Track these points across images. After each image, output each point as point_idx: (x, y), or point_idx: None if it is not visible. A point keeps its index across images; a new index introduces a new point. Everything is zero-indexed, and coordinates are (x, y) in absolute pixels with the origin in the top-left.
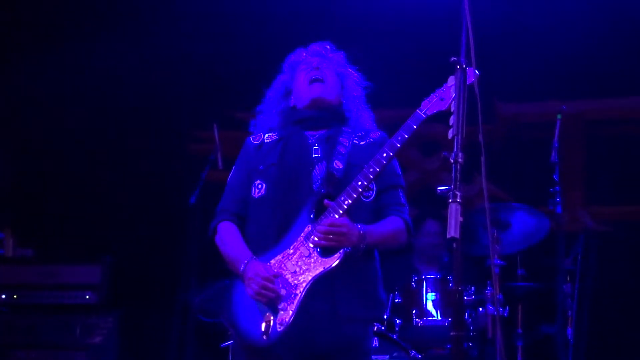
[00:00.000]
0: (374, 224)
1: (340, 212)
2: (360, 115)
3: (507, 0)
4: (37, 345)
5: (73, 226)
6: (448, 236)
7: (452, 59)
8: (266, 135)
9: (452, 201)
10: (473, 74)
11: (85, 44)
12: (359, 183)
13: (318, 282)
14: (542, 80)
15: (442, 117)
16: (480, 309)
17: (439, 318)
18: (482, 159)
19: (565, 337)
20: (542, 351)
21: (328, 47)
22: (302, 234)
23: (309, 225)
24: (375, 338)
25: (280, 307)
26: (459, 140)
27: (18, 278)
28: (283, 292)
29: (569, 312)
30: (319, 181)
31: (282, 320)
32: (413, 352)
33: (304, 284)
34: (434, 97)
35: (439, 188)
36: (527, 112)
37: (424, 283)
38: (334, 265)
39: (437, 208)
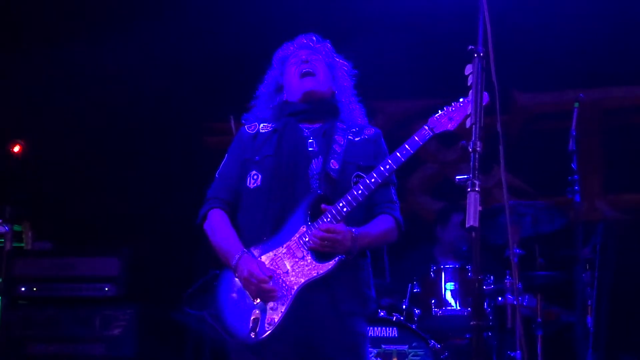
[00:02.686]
0: (366, 225)
1: (338, 218)
2: (353, 108)
3: None
4: (56, 337)
5: (91, 219)
6: (467, 225)
7: (470, 47)
8: (261, 125)
9: (470, 190)
10: (486, 97)
11: (102, 39)
12: (359, 192)
13: (312, 284)
14: (559, 69)
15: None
16: (500, 299)
17: (458, 308)
18: (501, 148)
19: (585, 326)
20: (562, 340)
21: (314, 38)
22: (296, 234)
23: (304, 226)
24: (395, 328)
25: (270, 306)
26: (477, 129)
27: (37, 271)
28: (278, 293)
29: (589, 301)
30: (316, 179)
31: (272, 320)
32: (432, 342)
33: (295, 287)
34: (443, 116)
35: (457, 177)
36: (544, 101)
37: (443, 273)
38: (327, 271)
39: (459, 200)
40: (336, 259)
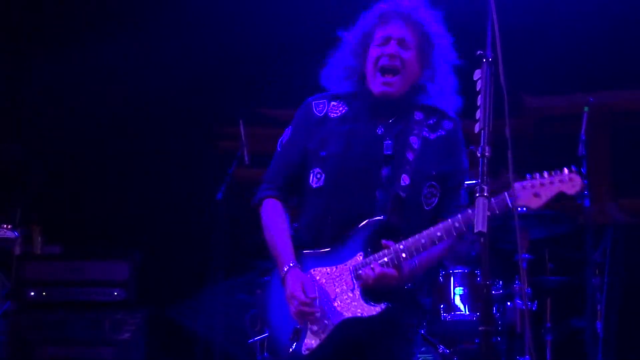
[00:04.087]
0: (423, 253)
1: (395, 263)
2: (438, 91)
3: None
4: (66, 341)
5: (101, 223)
6: (475, 230)
7: (478, 52)
8: (331, 104)
9: (479, 195)
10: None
11: (112, 42)
12: (423, 242)
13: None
14: (568, 72)
15: (469, 112)
16: (509, 303)
17: (467, 313)
18: (509, 153)
19: (594, 330)
20: (572, 345)
21: (420, 3)
22: (351, 261)
23: (361, 254)
24: None
25: (312, 329)
26: (486, 134)
27: (47, 275)
28: (318, 314)
29: (598, 306)
30: (383, 194)
31: (310, 345)
32: (441, 347)
33: (339, 319)
34: (530, 189)
35: (465, 182)
36: (554, 105)
37: (452, 278)
38: (373, 315)
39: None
40: (383, 306)
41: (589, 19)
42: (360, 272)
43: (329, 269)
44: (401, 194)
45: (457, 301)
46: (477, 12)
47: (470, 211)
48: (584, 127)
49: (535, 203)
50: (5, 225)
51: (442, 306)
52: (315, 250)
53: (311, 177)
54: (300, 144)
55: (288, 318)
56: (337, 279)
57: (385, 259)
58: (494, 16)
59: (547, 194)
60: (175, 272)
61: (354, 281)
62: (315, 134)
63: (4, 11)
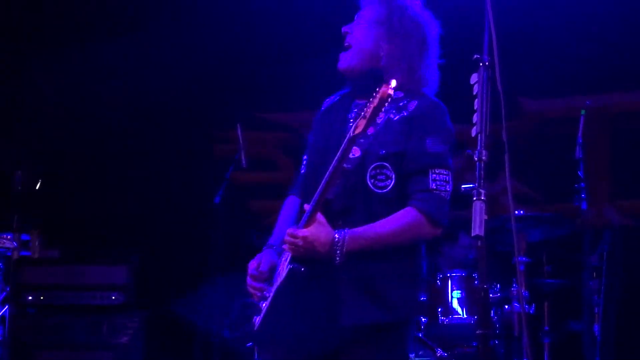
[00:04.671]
0: (372, 224)
1: (305, 222)
2: (406, 69)
3: None
4: (64, 345)
5: (99, 227)
6: (472, 234)
7: (475, 56)
8: (336, 99)
9: (476, 199)
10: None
11: (109, 45)
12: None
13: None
14: (566, 75)
15: (465, 116)
16: (506, 307)
17: (465, 316)
18: (506, 157)
19: (592, 334)
20: (570, 348)
21: None
22: None
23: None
24: None
25: (261, 304)
26: (483, 138)
27: (45, 279)
28: (264, 291)
29: (596, 309)
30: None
31: (257, 321)
32: (439, 351)
33: (271, 290)
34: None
35: (462, 186)
36: (551, 108)
37: (449, 281)
38: (282, 279)
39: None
40: (287, 267)
41: (587, 22)
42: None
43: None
44: (345, 166)
45: (455, 304)
46: (474, 15)
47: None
48: (580, 130)
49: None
50: (5, 236)
51: (439, 309)
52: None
53: (302, 166)
54: (309, 141)
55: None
56: (285, 255)
57: (303, 222)
58: (491, 20)
59: None
60: (174, 275)
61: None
62: (315, 127)
63: (3, 11)
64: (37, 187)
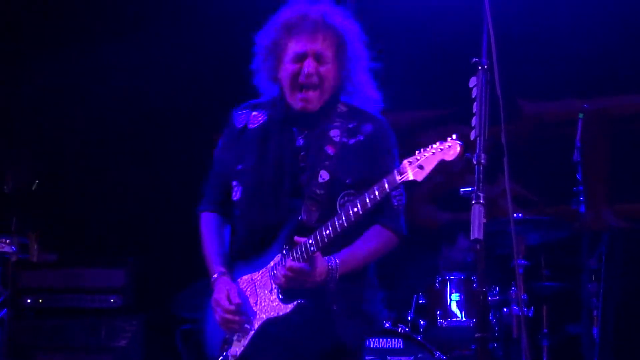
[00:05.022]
0: (353, 245)
1: (305, 257)
2: (361, 91)
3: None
4: (63, 348)
5: (97, 230)
6: (472, 238)
7: (474, 60)
8: (252, 114)
9: (475, 202)
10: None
11: (109, 48)
12: (327, 232)
13: (312, 307)
14: (564, 78)
15: (464, 118)
16: (505, 309)
17: (464, 319)
18: (505, 160)
19: (591, 336)
20: (568, 351)
21: (327, 9)
22: (271, 262)
23: (279, 255)
24: (400, 339)
25: (235, 337)
26: (482, 142)
27: (43, 282)
28: (241, 322)
29: (595, 312)
30: (299, 198)
31: (235, 352)
32: (438, 353)
33: (257, 323)
34: (414, 162)
35: (461, 189)
36: (549, 110)
37: (448, 284)
38: (287, 313)
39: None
40: (294, 303)
41: (585, 25)
42: (275, 271)
43: (253, 275)
44: (317, 191)
45: (454, 307)
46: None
47: (366, 196)
48: (579, 133)
49: (420, 175)
50: (3, 240)
51: (438, 312)
52: (243, 260)
53: (232, 191)
54: (224, 158)
55: (219, 330)
56: (259, 284)
57: (297, 254)
58: (490, 24)
59: (429, 164)
60: (173, 278)
61: (272, 282)
62: (235, 147)
63: (3, 10)
64: (32, 188)
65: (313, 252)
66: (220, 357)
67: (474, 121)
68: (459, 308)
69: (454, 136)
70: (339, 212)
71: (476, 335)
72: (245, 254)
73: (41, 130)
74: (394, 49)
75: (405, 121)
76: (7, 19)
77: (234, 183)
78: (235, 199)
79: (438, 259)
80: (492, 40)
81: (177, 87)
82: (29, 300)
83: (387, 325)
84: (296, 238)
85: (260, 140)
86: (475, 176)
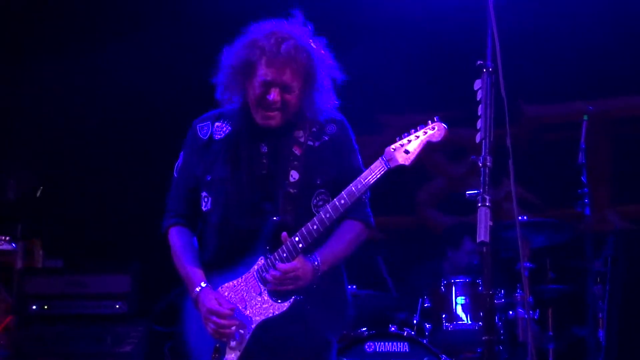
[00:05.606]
0: (329, 241)
1: (294, 254)
2: (318, 103)
3: (532, 2)
4: (68, 355)
5: (102, 236)
6: (478, 240)
7: (479, 62)
8: (215, 125)
9: (481, 205)
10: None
11: (108, 51)
12: (315, 227)
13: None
14: (567, 80)
15: (467, 120)
16: (511, 312)
17: (469, 322)
18: (510, 163)
19: (596, 339)
20: (574, 354)
21: (297, 27)
22: (255, 266)
23: (262, 258)
24: (406, 343)
25: (230, 345)
26: (487, 144)
27: (48, 288)
28: (234, 328)
29: (600, 314)
30: (271, 201)
31: (230, 359)
32: (443, 357)
33: (253, 325)
34: (399, 148)
35: (467, 192)
36: (552, 113)
37: (453, 287)
38: (284, 311)
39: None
40: (291, 300)
41: (588, 27)
42: (265, 275)
43: (235, 282)
44: (290, 190)
45: (459, 311)
46: (475, 21)
47: (352, 187)
48: (583, 135)
49: (408, 159)
50: (3, 237)
51: (444, 316)
52: (218, 270)
53: (201, 201)
54: (191, 169)
55: (207, 340)
56: (244, 289)
57: (284, 254)
58: (494, 27)
59: (415, 148)
60: (177, 284)
61: (260, 285)
62: (201, 158)
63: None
64: (37, 195)
65: (301, 248)
66: None
67: (479, 124)
68: (464, 311)
69: (435, 118)
70: (324, 208)
71: (483, 337)
72: (219, 264)
73: (45, 136)
74: (396, 53)
75: (407, 124)
76: (6, 20)
77: (203, 194)
78: (205, 209)
79: (443, 262)
80: (497, 42)
81: (183, 91)
82: (34, 307)
83: (393, 328)
84: (283, 235)
85: (229, 150)
86: (481, 179)
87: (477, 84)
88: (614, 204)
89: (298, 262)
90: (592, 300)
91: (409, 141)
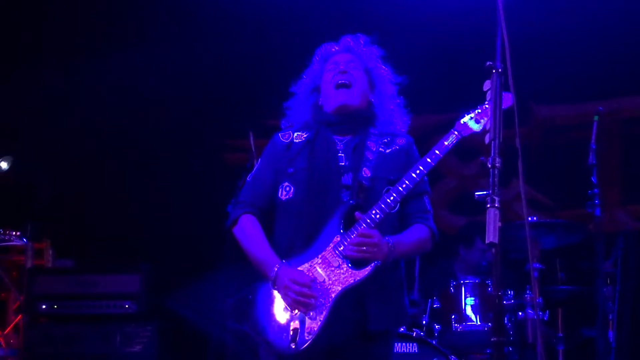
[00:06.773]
0: (401, 234)
1: (372, 226)
2: (390, 116)
3: (541, 2)
4: (77, 354)
5: (112, 236)
6: (487, 241)
7: (488, 63)
8: (295, 134)
9: (490, 206)
10: (510, 99)
11: (120, 57)
12: (392, 198)
13: (347, 294)
14: (577, 80)
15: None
16: (520, 313)
17: (479, 323)
18: (520, 164)
19: (607, 340)
20: (584, 355)
21: (362, 41)
22: (331, 244)
23: (338, 235)
24: (415, 344)
25: (309, 315)
26: (497, 145)
27: (58, 288)
28: (314, 300)
29: (610, 315)
30: (348, 190)
31: (311, 329)
32: (453, 358)
33: (333, 295)
34: (470, 119)
35: (476, 193)
36: (563, 113)
37: (463, 288)
38: (364, 277)
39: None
40: (372, 264)
41: (598, 27)
42: (341, 248)
43: (312, 262)
44: (364, 182)
45: (469, 311)
46: (485, 22)
47: (427, 158)
48: (594, 136)
49: (479, 128)
50: (14, 232)
51: (453, 316)
52: (294, 256)
53: (280, 191)
54: (270, 166)
55: (283, 323)
56: (322, 265)
57: (362, 225)
58: (504, 28)
59: (483, 117)
60: (186, 284)
61: (338, 258)
62: (283, 157)
63: (10, 17)
64: (49, 197)
65: (379, 219)
66: (295, 341)
67: (488, 125)
68: (473, 312)
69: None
70: (400, 181)
71: (492, 338)
72: (295, 250)
73: (56, 137)
74: (406, 54)
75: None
76: (13, 24)
77: (285, 184)
78: (286, 198)
79: (454, 262)
80: (507, 43)
81: (190, 94)
82: (44, 307)
83: (402, 329)
84: (357, 214)
85: (308, 148)
86: (490, 180)
87: (487, 85)
88: (623, 204)
89: (375, 231)
90: (602, 301)
91: (479, 112)
